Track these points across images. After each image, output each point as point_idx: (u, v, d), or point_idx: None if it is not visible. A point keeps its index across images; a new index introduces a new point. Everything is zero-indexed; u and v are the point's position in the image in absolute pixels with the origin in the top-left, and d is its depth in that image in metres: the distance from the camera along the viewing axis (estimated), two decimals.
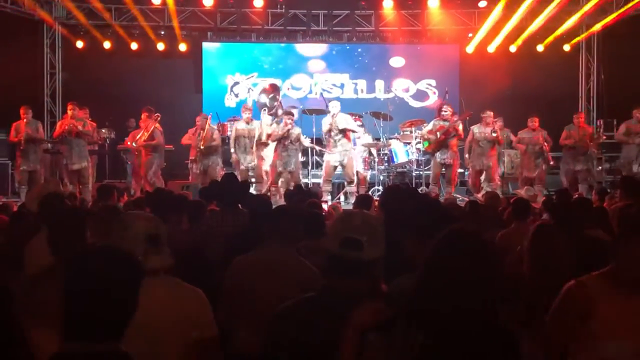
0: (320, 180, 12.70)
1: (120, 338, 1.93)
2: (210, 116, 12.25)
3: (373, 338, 1.99)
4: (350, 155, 11.84)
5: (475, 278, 1.95)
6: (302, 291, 2.38)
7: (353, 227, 2.26)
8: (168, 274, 2.73)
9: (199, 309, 2.72)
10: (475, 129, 12.14)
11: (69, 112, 11.75)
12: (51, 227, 3.34)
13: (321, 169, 12.79)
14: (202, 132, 11.94)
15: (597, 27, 14.97)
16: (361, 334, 2.03)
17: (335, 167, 11.90)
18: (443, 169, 12.01)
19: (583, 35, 15.37)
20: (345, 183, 12.13)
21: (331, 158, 11.84)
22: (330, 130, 11.80)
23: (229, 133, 13.10)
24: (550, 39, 15.16)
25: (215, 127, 12.54)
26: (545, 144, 12.20)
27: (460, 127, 11.99)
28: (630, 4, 13.84)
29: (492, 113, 12.17)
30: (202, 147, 11.85)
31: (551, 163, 12.45)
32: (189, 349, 2.64)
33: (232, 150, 12.28)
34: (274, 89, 13.66)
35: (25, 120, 11.69)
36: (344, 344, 2.04)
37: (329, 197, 11.75)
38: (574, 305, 2.81)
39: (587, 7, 14.44)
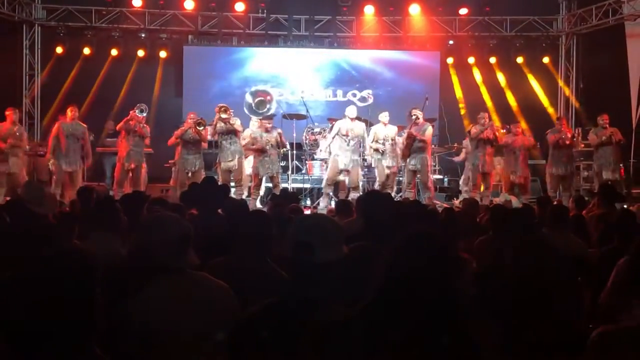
0: (300, 185, 12.64)
1: (92, 341, 1.89)
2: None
3: (333, 337, 2.00)
4: (357, 162, 11.59)
5: (432, 277, 1.98)
6: (268, 297, 2.36)
7: (305, 231, 2.26)
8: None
9: (225, 304, 2.78)
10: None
11: (70, 114, 11.59)
12: None
13: (301, 174, 12.69)
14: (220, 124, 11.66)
15: None
16: (321, 334, 2.04)
17: (341, 171, 11.55)
18: (418, 176, 11.74)
19: None
20: (350, 189, 11.70)
21: (339, 159, 11.46)
22: (346, 135, 11.44)
23: (209, 137, 13.10)
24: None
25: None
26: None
27: (430, 131, 11.66)
28: None
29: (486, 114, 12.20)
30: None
31: None
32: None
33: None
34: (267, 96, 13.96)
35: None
36: (306, 345, 2.05)
37: (329, 200, 11.56)
38: None
39: None
